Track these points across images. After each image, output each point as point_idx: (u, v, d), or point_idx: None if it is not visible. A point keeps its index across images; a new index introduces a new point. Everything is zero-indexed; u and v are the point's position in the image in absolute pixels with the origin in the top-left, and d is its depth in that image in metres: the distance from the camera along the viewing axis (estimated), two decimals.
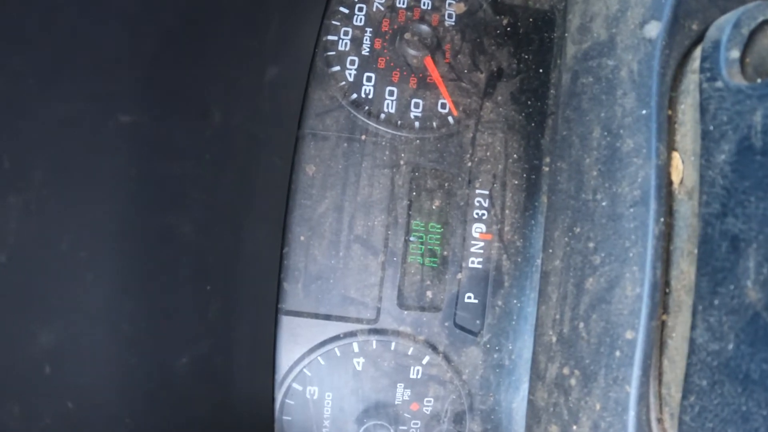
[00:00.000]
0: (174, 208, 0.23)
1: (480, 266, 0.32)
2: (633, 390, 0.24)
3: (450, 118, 0.33)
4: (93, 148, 0.20)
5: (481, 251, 0.32)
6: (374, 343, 0.32)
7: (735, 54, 0.22)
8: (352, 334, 0.32)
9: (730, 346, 0.20)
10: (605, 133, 0.26)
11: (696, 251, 0.24)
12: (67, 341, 0.19)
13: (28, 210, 0.19)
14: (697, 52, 0.27)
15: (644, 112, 0.25)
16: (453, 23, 0.34)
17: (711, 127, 0.23)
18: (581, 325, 0.25)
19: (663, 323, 0.25)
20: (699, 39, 0.27)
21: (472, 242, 0.32)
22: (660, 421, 0.25)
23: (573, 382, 0.26)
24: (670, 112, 0.26)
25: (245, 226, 0.29)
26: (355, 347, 0.32)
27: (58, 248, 0.19)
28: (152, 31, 0.21)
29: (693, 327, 0.22)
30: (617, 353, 0.24)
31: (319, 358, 0.32)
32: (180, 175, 0.23)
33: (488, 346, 0.31)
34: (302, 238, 0.32)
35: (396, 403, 0.32)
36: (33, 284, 0.19)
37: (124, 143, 0.21)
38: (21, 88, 0.19)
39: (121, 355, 0.21)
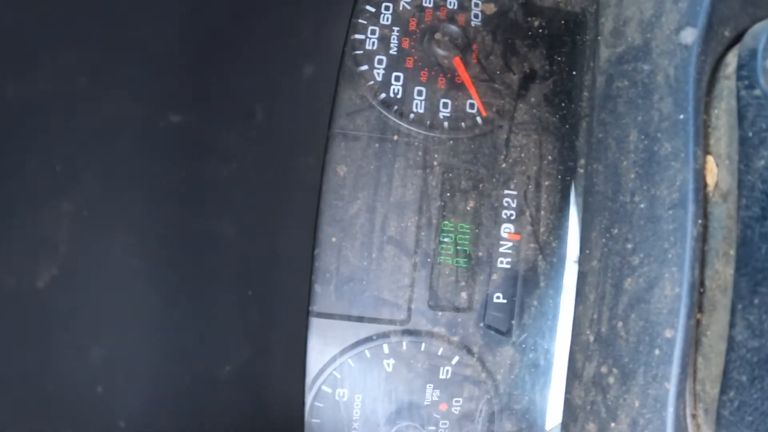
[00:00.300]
0: (219, 212, 0.23)
1: (509, 266, 0.32)
2: (672, 387, 0.24)
3: (479, 119, 0.33)
4: (143, 149, 0.19)
5: (510, 251, 0.32)
6: (405, 344, 0.32)
7: None
8: (384, 335, 0.31)
9: None
10: (642, 137, 0.27)
11: (731, 252, 0.25)
12: (119, 356, 0.18)
13: (80, 216, 0.18)
14: (729, 58, 0.27)
15: (681, 116, 0.25)
16: (481, 23, 0.34)
17: (750, 134, 0.23)
18: (620, 324, 0.26)
19: (698, 322, 0.26)
20: (730, 45, 0.27)
21: (501, 242, 0.32)
22: (694, 416, 0.25)
23: (611, 380, 0.26)
24: (704, 117, 0.26)
25: (279, 229, 0.29)
26: (385, 348, 0.31)
27: (109, 256, 0.19)
28: (200, 29, 0.21)
29: (732, 325, 0.23)
30: (656, 351, 0.25)
31: (349, 360, 0.31)
32: (226, 177, 0.22)
33: (524, 345, 0.31)
34: (334, 239, 0.31)
35: (425, 403, 0.32)
36: (86, 295, 0.18)
37: (173, 144, 0.20)
38: (71, 86, 0.18)
39: (169, 368, 0.20)
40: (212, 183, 0.21)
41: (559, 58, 0.33)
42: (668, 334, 0.24)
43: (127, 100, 0.18)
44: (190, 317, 0.21)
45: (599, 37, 0.30)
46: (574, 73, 0.33)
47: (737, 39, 0.26)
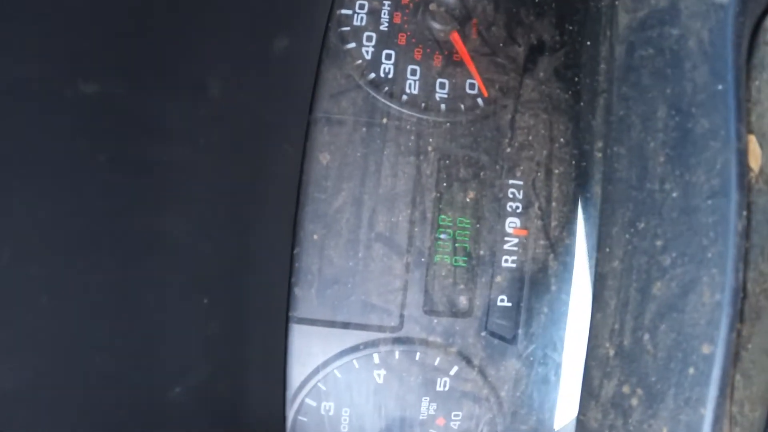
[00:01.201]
0: (160, 205, 0.19)
1: (515, 266, 0.29)
2: (708, 412, 0.20)
3: (479, 100, 0.29)
4: (44, 125, 0.15)
5: (516, 249, 0.29)
6: (397, 353, 0.28)
7: None
8: (373, 344, 0.28)
9: None
10: (673, 113, 0.23)
11: None
12: (21, 386, 0.15)
13: None
14: None
15: (720, 87, 0.22)
16: None
17: None
18: (646, 336, 0.22)
19: (738, 332, 0.22)
20: None
21: (506, 239, 0.29)
22: None
23: (635, 402, 0.22)
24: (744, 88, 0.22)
25: (250, 226, 0.25)
26: (376, 358, 0.28)
27: None
28: None
29: None
30: (691, 370, 0.21)
31: (335, 371, 0.28)
32: (167, 162, 0.19)
33: (531, 358, 0.28)
34: (316, 236, 0.28)
35: (421, 418, 0.29)
36: None
37: (87, 120, 0.16)
38: None
39: (94, 394, 0.17)
40: (146, 170, 0.17)
41: (570, 27, 0.30)
42: (706, 349, 0.20)
43: (22, 62, 0.14)
44: (123, 333, 0.17)
45: (617, 2, 0.26)
46: (588, 43, 0.29)
47: None
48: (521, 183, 0.28)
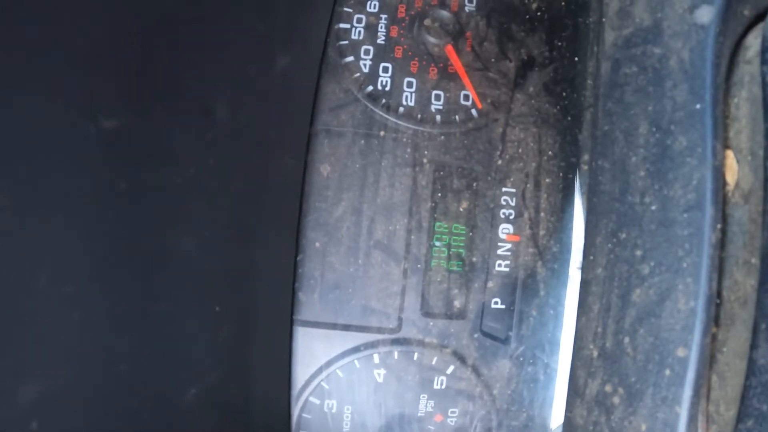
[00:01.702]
0: (173, 224, 0.20)
1: (507, 269, 0.30)
2: (683, 411, 0.22)
3: (474, 111, 0.31)
4: (69, 162, 0.17)
5: (509, 254, 0.30)
6: (396, 354, 0.30)
7: None
8: (373, 345, 0.30)
9: None
10: (653, 129, 0.24)
11: (753, 261, 0.22)
12: (55, 393, 0.16)
13: None
14: (751, 40, 0.24)
15: (698, 106, 0.23)
16: (475, 8, 0.31)
17: None
18: (626, 339, 0.24)
19: (713, 336, 0.23)
20: (751, 25, 0.24)
21: (500, 244, 0.30)
22: None
23: (616, 400, 0.24)
24: (722, 107, 0.23)
25: (256, 236, 0.27)
26: (376, 359, 0.30)
27: (33, 286, 0.17)
28: (141, 16, 0.18)
29: (754, 347, 0.21)
30: (667, 372, 0.22)
31: (337, 370, 0.30)
32: (178, 185, 0.20)
33: (521, 359, 0.29)
34: (318, 244, 0.29)
35: (419, 415, 0.31)
36: (4, 332, 0.16)
37: (107, 152, 0.18)
38: None
39: (120, 399, 0.18)
40: (159, 193, 0.19)
41: (559, 43, 0.31)
42: (681, 353, 0.22)
43: (46, 105, 0.15)
44: (143, 342, 0.19)
45: (604, 19, 0.27)
46: (576, 59, 0.30)
47: (758, 18, 0.23)
48: (514, 191, 0.30)
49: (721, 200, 0.22)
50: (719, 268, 0.22)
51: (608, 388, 0.24)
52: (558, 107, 0.30)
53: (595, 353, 0.25)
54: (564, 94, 0.30)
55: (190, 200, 0.20)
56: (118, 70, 0.17)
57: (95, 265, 0.17)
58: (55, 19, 0.15)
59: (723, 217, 0.23)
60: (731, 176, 0.23)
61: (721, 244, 0.23)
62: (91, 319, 0.17)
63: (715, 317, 0.23)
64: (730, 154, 0.24)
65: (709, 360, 0.22)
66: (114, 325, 0.18)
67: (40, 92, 0.15)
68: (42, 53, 0.15)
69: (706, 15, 0.23)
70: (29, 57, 0.15)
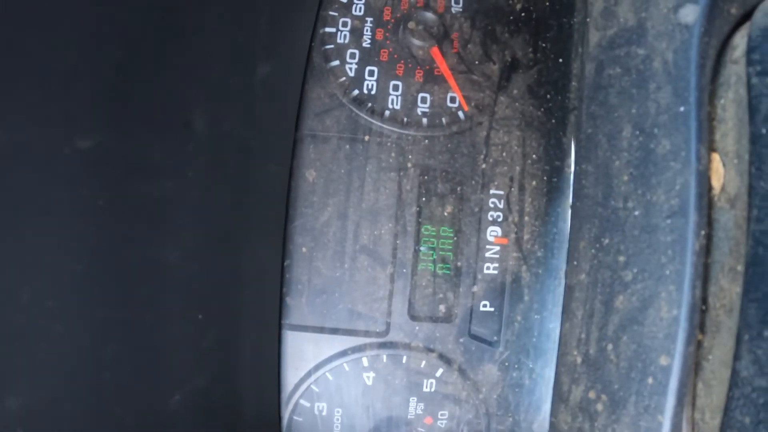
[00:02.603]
0: (156, 236, 0.21)
1: (496, 272, 0.30)
2: (666, 420, 0.22)
3: (460, 113, 0.30)
4: (47, 181, 0.17)
5: (497, 256, 0.30)
6: (384, 357, 0.30)
7: None
8: (360, 348, 0.30)
9: None
10: (637, 132, 0.23)
11: (739, 268, 0.22)
12: (40, 403, 0.17)
13: None
14: (737, 40, 0.24)
15: (682, 108, 0.22)
16: (461, 9, 0.31)
17: (763, 130, 0.20)
18: (609, 346, 0.23)
19: (699, 343, 0.23)
20: (738, 24, 0.24)
21: (487, 247, 0.30)
22: None
23: (600, 407, 0.24)
24: (708, 108, 0.23)
25: (242, 243, 0.27)
26: (365, 362, 0.30)
27: (17, 302, 0.17)
28: (114, 32, 0.18)
29: (737, 357, 0.20)
30: (649, 380, 0.22)
31: (327, 373, 0.30)
32: (160, 197, 0.20)
33: (506, 363, 0.29)
34: (304, 249, 0.30)
35: (409, 417, 0.31)
36: None
37: (85, 171, 0.18)
38: None
39: (105, 408, 0.19)
40: (141, 206, 0.19)
41: (544, 45, 0.30)
42: (664, 361, 0.21)
43: (21, 129, 0.16)
44: (127, 352, 0.19)
45: (588, 19, 0.26)
46: (560, 60, 0.29)
47: (746, 17, 0.22)
48: (501, 193, 0.29)
49: (706, 206, 0.22)
50: (704, 275, 0.22)
51: (592, 394, 0.24)
52: (542, 110, 0.29)
53: (579, 359, 0.25)
54: (548, 96, 0.29)
55: (173, 212, 0.21)
56: (94, 89, 0.17)
57: (77, 279, 0.18)
58: (28, 39, 0.16)
59: (709, 221, 0.22)
60: (717, 180, 0.23)
61: (707, 249, 0.22)
62: (73, 331, 0.18)
63: (700, 324, 0.22)
64: (716, 157, 0.23)
65: (693, 368, 0.22)
66: (97, 335, 0.18)
67: (16, 113, 0.16)
68: (16, 76, 0.15)
69: (690, 14, 0.23)
70: (2, 79, 0.15)
